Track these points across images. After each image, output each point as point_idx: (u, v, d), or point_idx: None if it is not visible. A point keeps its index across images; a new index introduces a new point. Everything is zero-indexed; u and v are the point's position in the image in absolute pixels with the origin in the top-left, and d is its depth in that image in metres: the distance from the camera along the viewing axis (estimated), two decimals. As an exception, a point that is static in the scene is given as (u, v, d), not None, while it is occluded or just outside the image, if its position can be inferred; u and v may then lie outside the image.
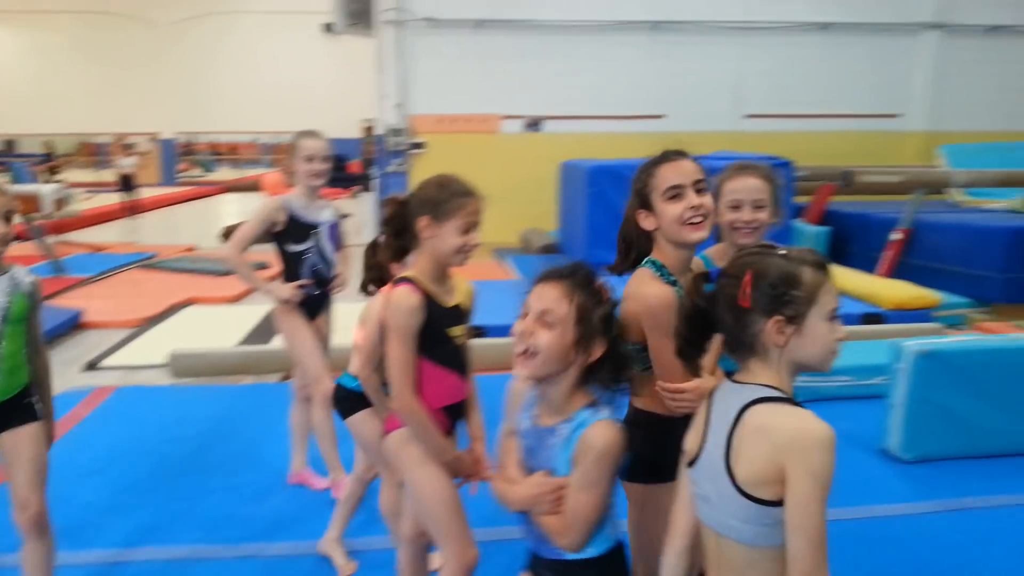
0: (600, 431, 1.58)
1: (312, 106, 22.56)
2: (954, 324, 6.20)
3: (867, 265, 7.53)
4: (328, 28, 12.37)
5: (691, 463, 1.48)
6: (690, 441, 1.49)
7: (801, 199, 9.05)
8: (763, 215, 2.19)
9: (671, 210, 1.90)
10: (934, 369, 3.66)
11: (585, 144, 10.86)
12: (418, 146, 11.14)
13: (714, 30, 11.58)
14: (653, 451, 1.88)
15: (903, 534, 3.11)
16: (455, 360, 2.15)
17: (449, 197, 2.07)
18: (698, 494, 1.46)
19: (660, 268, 1.92)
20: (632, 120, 11.55)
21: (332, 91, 22.37)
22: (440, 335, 2.10)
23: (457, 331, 2.15)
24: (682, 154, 1.97)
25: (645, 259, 1.97)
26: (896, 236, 7.33)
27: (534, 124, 11.47)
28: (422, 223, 2.08)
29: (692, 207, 1.88)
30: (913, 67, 12.21)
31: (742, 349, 1.40)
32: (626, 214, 2.03)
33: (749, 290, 1.35)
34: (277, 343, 5.47)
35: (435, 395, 2.10)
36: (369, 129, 14.19)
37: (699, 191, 1.91)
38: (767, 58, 11.77)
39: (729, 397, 1.41)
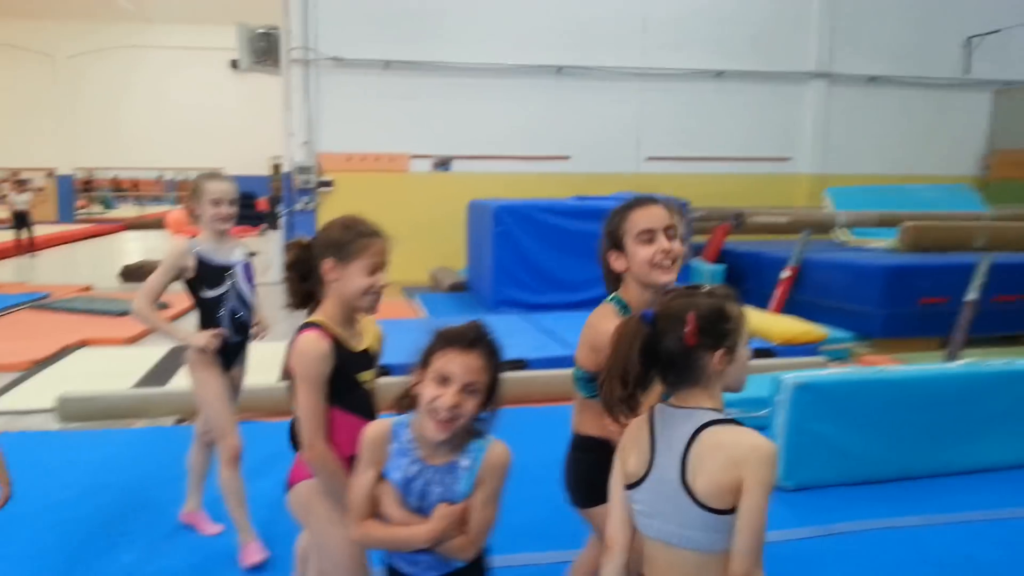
0: (501, 450, 1.79)
1: (219, 142, 22.26)
2: (838, 357, 6.55)
3: (760, 301, 7.88)
4: (235, 65, 12.25)
5: (635, 484, 1.61)
6: (632, 464, 1.62)
7: (699, 238, 9.43)
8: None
9: (642, 253, 2.01)
10: (811, 400, 3.87)
11: (493, 184, 11.06)
12: (326, 184, 11.11)
13: (616, 75, 12.01)
14: (602, 474, 1.98)
15: (782, 559, 3.27)
16: (364, 406, 2.10)
17: (354, 238, 2.04)
18: (644, 511, 1.60)
19: (624, 306, 2.05)
20: (538, 161, 11.83)
21: (240, 127, 22.09)
22: (350, 381, 2.06)
23: (367, 376, 2.11)
24: (654, 200, 2.09)
25: (612, 295, 2.10)
26: (785, 274, 7.71)
27: (443, 163, 11.61)
28: (327, 265, 2.04)
29: (663, 251, 2.01)
30: (802, 114, 12.94)
31: (684, 380, 1.56)
32: (600, 254, 2.13)
33: (694, 329, 1.52)
34: (173, 385, 5.36)
35: (345, 443, 2.02)
36: (277, 166, 14.04)
37: (670, 236, 2.03)
38: (667, 104, 12.27)
39: (675, 421, 1.56)
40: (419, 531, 1.74)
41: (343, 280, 2.04)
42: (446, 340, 1.72)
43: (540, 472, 2.98)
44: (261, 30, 11.57)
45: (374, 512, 1.80)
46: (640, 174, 11.91)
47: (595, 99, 12.04)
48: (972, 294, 6.00)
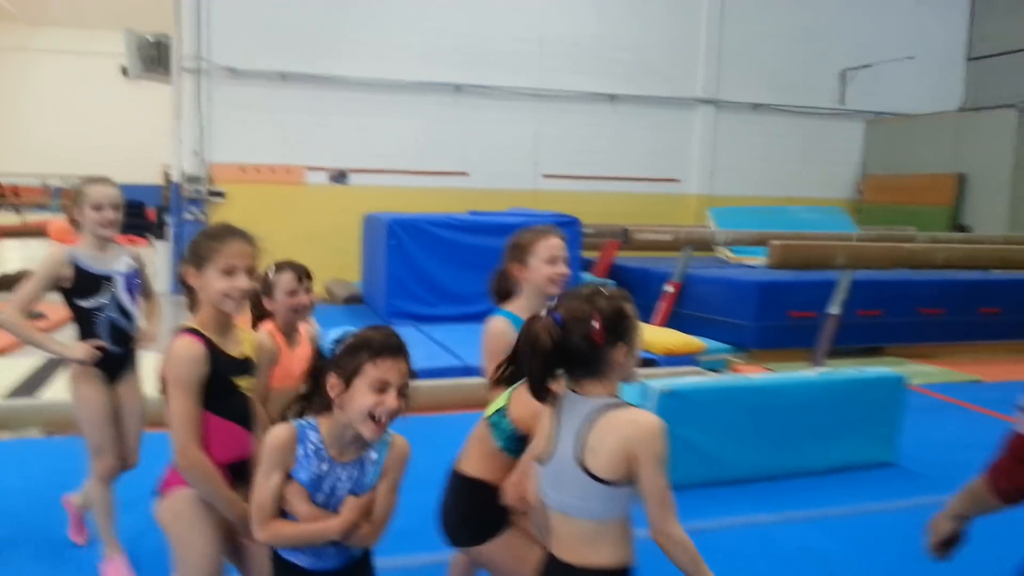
0: (403, 442, 1.97)
1: (109, 149, 21.40)
2: (715, 367, 6.87)
3: (646, 315, 8.17)
4: (124, 72, 11.90)
5: (542, 462, 1.81)
6: (540, 444, 1.83)
7: (590, 254, 9.71)
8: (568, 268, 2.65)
9: (546, 270, 2.53)
10: (676, 406, 4.09)
11: (390, 197, 11.08)
12: (217, 195, 10.89)
13: (514, 95, 12.25)
14: (490, 514, 2.14)
15: (644, 556, 3.44)
16: (241, 413, 2.13)
17: (205, 242, 2.09)
18: (548, 485, 1.79)
19: (513, 318, 2.48)
20: (436, 176, 11.93)
21: (131, 134, 21.31)
22: (226, 386, 2.08)
23: (243, 382, 2.14)
24: (558, 229, 2.64)
25: (501, 309, 2.55)
26: (669, 288, 8.04)
27: (340, 176, 11.56)
28: (187, 273, 2.09)
29: (561, 272, 2.56)
30: (691, 138, 13.50)
31: (589, 374, 1.74)
32: (503, 265, 2.61)
33: (600, 328, 1.70)
34: (44, 397, 5.17)
35: (220, 450, 2.05)
36: (169, 175, 13.69)
37: (565, 261, 2.59)
38: (563, 124, 12.58)
39: (576, 408, 1.75)
40: (331, 524, 1.85)
41: (204, 286, 2.08)
42: (376, 349, 1.81)
43: (424, 477, 3.05)
44: (151, 37, 11.29)
45: (279, 512, 1.87)
46: (537, 191, 12.16)
47: (493, 117, 12.23)
48: (834, 308, 6.42)
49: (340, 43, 11.38)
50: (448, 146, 12.02)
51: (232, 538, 2.16)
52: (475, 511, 2.20)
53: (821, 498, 4.17)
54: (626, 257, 9.71)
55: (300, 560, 1.91)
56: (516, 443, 2.15)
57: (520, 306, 2.58)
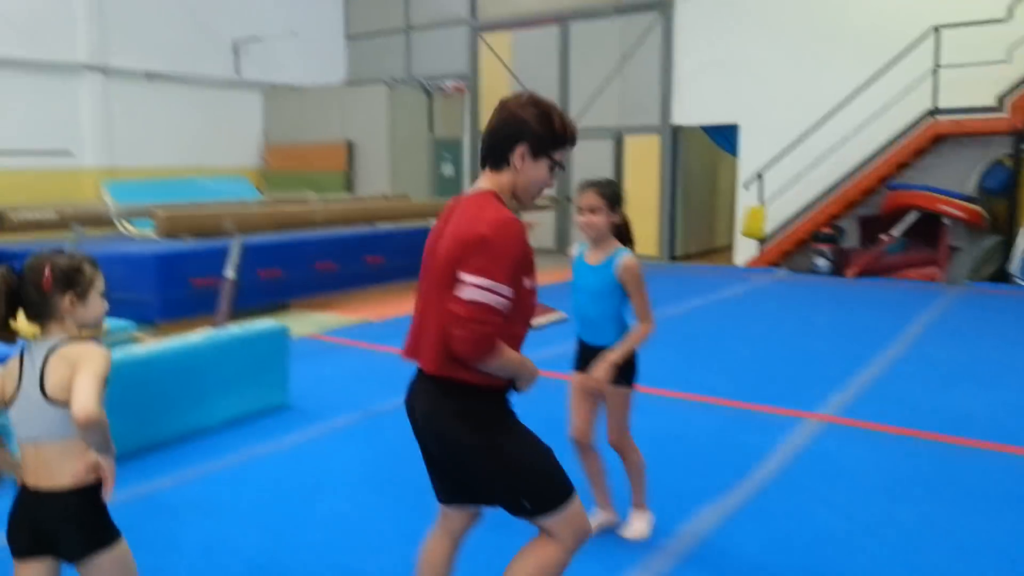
0: None
1: None
2: (117, 346, 6.60)
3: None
4: None
5: (9, 404, 2.02)
6: (8, 390, 2.02)
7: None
8: None
9: None
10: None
11: None
12: None
13: None
14: None
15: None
16: None
17: None
18: (16, 423, 2.02)
19: None
20: None
21: None
22: None
23: None
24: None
25: None
26: (59, 271, 7.41)
27: None
28: None
29: None
30: (79, 107, 12.46)
31: (42, 317, 2.03)
32: None
33: (49, 277, 1.99)
34: None
35: None
36: None
37: None
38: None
39: (37, 350, 2.01)
40: None
41: None
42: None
43: None
44: None
45: None
46: None
47: None
48: (229, 272, 6.67)
49: None
50: None
51: None
52: None
53: (221, 451, 4.40)
54: (7, 241, 8.65)
55: None
56: None
57: None
